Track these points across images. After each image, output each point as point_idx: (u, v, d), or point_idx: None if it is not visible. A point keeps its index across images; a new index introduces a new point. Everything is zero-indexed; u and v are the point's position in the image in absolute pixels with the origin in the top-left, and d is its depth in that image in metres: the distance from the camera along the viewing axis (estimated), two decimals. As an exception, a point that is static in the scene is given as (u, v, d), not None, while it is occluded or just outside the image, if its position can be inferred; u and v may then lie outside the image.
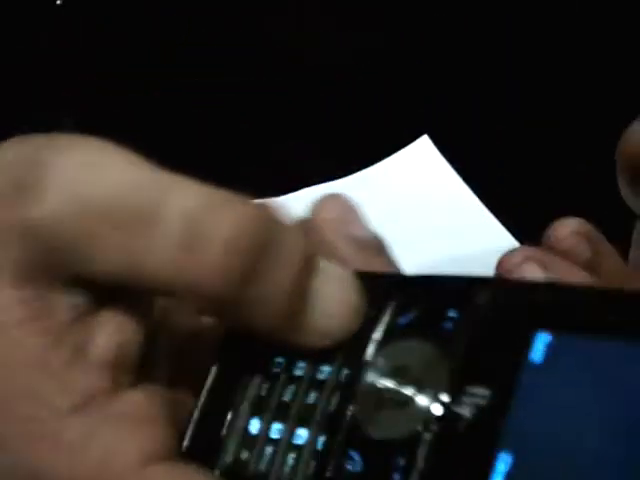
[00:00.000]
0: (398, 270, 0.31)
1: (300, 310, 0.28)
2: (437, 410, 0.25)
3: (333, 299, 0.28)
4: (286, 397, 0.28)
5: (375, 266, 0.30)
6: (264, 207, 0.28)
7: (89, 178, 0.27)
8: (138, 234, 0.27)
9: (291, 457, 0.27)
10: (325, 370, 0.28)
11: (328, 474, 0.26)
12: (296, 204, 0.60)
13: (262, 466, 0.27)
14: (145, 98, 0.61)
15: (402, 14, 0.62)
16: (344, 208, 0.34)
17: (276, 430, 0.28)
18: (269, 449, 0.27)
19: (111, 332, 0.28)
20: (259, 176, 0.59)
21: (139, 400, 0.28)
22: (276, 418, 0.28)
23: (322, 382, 0.28)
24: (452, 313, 0.26)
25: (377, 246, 0.32)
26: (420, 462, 0.24)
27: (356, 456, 0.26)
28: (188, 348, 0.32)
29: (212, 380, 0.30)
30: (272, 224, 0.28)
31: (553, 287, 0.25)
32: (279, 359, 0.29)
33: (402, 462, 0.24)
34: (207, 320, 0.32)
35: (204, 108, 0.61)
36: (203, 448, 0.28)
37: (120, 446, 0.26)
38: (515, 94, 0.59)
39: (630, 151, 0.27)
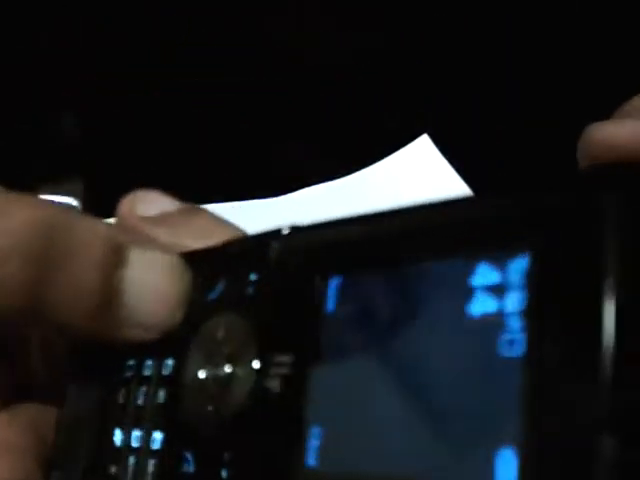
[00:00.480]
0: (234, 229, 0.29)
1: (112, 304, 0.26)
2: (249, 388, 0.23)
3: (150, 288, 0.27)
4: (140, 400, 0.27)
5: (212, 227, 0.28)
6: (49, 205, 0.26)
7: None
8: None
9: (151, 463, 0.26)
10: (168, 364, 0.27)
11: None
12: (296, 204, 0.61)
13: (129, 478, 0.26)
14: (145, 98, 0.61)
15: (402, 14, 0.62)
16: (137, 199, 0.30)
17: (135, 437, 0.27)
18: (132, 459, 0.26)
19: None
20: (259, 176, 0.59)
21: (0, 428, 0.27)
22: (135, 425, 0.27)
23: (166, 378, 0.26)
24: (252, 276, 0.24)
25: (189, 211, 0.30)
26: (242, 451, 0.23)
27: (189, 456, 0.25)
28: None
29: (70, 398, 0.29)
30: (60, 217, 0.26)
31: (332, 228, 0.23)
32: (130, 362, 0.27)
33: (228, 456, 0.23)
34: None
35: (204, 108, 0.61)
36: (70, 469, 0.27)
37: None
38: (515, 94, 0.59)
39: (590, 154, 0.28)
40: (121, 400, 0.27)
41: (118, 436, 0.27)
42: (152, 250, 0.27)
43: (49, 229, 0.26)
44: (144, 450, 0.26)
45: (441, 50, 0.61)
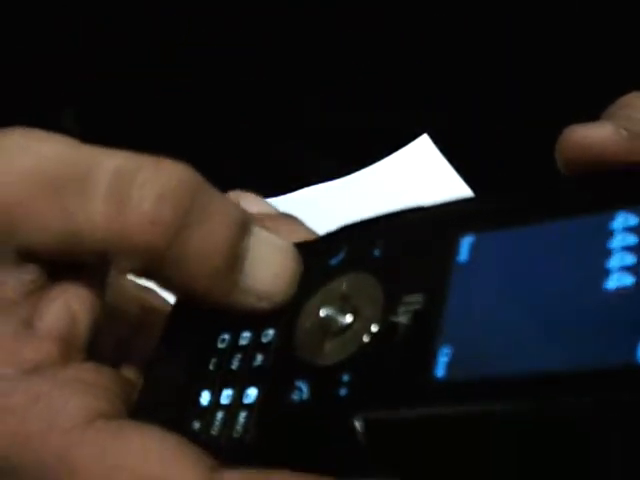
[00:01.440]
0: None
1: (234, 269, 0.28)
2: (375, 324, 0.26)
3: (269, 261, 0.29)
4: (234, 365, 0.28)
5: (300, 234, 0.31)
6: (196, 174, 0.29)
7: (21, 154, 0.28)
8: (72, 196, 0.27)
9: (242, 416, 0.27)
10: (269, 333, 0.28)
11: (274, 411, 0.26)
12: (296, 204, 0.61)
13: (214, 430, 0.27)
14: (145, 97, 0.61)
15: (402, 14, 0.62)
16: (240, 196, 0.34)
17: (226, 396, 0.28)
18: (220, 414, 0.27)
19: (59, 307, 0.29)
20: (259, 176, 0.59)
21: (88, 369, 0.28)
22: (225, 385, 0.28)
23: (266, 344, 0.28)
24: (379, 241, 0.27)
25: (293, 218, 0.32)
26: (364, 371, 0.25)
27: (303, 385, 0.26)
28: (134, 338, 0.32)
29: (158, 354, 0.30)
30: (204, 184, 0.28)
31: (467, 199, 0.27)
32: (224, 335, 0.29)
33: (347, 378, 0.25)
34: (153, 310, 0.33)
35: (204, 108, 0.61)
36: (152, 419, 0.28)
37: (66, 405, 0.27)
38: (515, 94, 0.59)
39: (567, 157, 0.28)
40: (212, 367, 0.29)
41: (205, 397, 0.28)
42: (270, 232, 0.29)
43: (195, 190, 0.28)
44: (235, 404, 0.27)
45: (441, 50, 0.61)
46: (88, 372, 0.28)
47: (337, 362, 0.26)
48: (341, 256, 0.29)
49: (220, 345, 0.29)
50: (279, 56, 0.62)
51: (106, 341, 0.31)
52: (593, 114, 0.32)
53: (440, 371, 0.23)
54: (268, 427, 0.26)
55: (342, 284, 0.28)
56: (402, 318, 0.25)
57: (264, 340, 0.28)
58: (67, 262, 0.29)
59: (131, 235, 0.27)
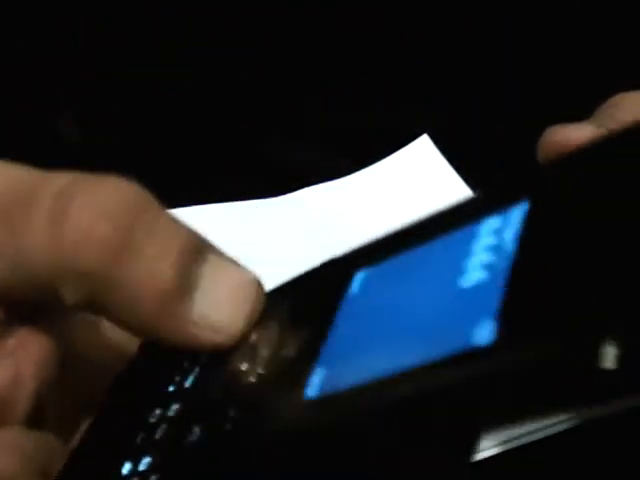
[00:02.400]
0: None
1: (185, 297, 0.26)
2: (263, 365, 0.25)
3: (226, 290, 0.26)
4: (157, 435, 0.27)
5: None
6: (143, 192, 0.27)
7: None
8: (17, 222, 0.26)
9: (153, 478, 0.26)
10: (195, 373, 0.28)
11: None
12: (296, 204, 0.61)
13: None
14: (145, 98, 0.61)
15: (402, 14, 0.62)
16: None
17: (145, 463, 0.27)
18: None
19: (6, 368, 0.27)
20: (259, 176, 0.59)
21: (12, 435, 0.27)
22: (145, 453, 0.27)
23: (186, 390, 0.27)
24: (288, 292, 0.27)
25: None
26: (247, 403, 0.25)
27: (196, 428, 0.26)
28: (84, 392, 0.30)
29: (97, 416, 0.29)
30: (153, 205, 0.26)
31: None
32: (156, 409, 0.28)
33: (232, 412, 0.25)
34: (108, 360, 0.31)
35: (203, 108, 0.61)
36: None
37: None
38: (515, 94, 0.59)
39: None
40: (139, 441, 0.27)
41: (127, 467, 0.27)
42: (231, 260, 0.27)
43: (141, 209, 0.26)
44: (152, 469, 0.26)
45: (441, 50, 0.61)
46: (15, 437, 0.27)
47: (224, 400, 0.26)
48: (268, 312, 0.28)
49: (151, 420, 0.28)
50: (279, 56, 0.62)
51: (78, 390, 0.30)
52: (592, 115, 0.32)
53: (312, 391, 0.24)
54: (170, 474, 0.26)
55: (253, 335, 0.27)
56: (289, 351, 0.25)
57: (180, 412, 0.27)
58: (20, 301, 0.27)
59: (70, 256, 0.26)
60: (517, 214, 0.22)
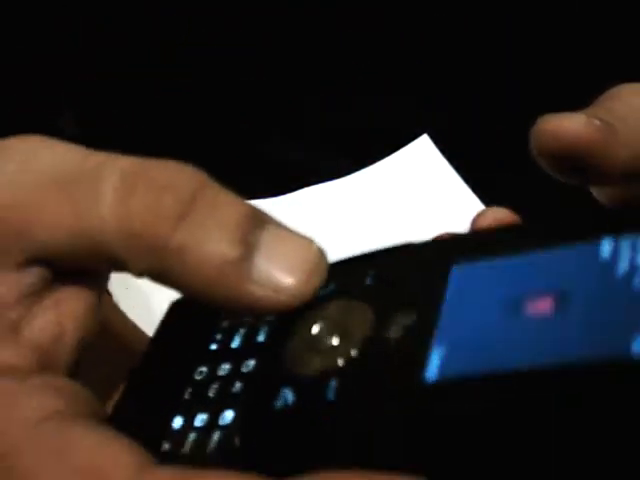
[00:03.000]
0: None
1: (246, 258, 0.27)
2: (365, 342, 0.26)
3: (285, 253, 0.27)
4: (210, 393, 0.28)
5: None
6: (201, 172, 0.28)
7: (35, 158, 0.28)
8: (83, 196, 0.28)
9: (216, 435, 0.27)
10: (250, 364, 0.28)
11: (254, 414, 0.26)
12: (296, 204, 0.61)
13: (185, 450, 0.27)
14: (144, 98, 0.61)
15: (402, 14, 0.62)
16: None
17: (200, 420, 0.27)
18: (192, 435, 0.27)
19: (48, 319, 0.29)
20: (259, 176, 0.59)
21: (60, 379, 0.28)
22: (200, 411, 0.27)
23: (245, 374, 0.28)
24: (369, 272, 0.28)
25: None
26: (352, 378, 0.25)
27: (288, 392, 0.26)
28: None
29: (139, 370, 0.30)
30: (211, 182, 0.28)
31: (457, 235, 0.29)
32: (202, 367, 0.28)
33: (334, 384, 0.25)
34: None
35: (203, 108, 0.61)
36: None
37: (27, 402, 0.27)
38: (515, 94, 0.59)
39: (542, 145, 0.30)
40: (187, 396, 0.28)
41: (178, 422, 0.27)
42: (292, 230, 0.28)
43: (201, 185, 0.28)
44: (210, 425, 0.27)
45: (441, 50, 0.61)
46: (59, 381, 0.28)
47: (325, 371, 0.26)
48: (332, 287, 0.28)
49: (197, 377, 0.28)
50: (279, 56, 0.62)
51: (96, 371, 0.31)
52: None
53: (431, 374, 0.24)
54: (250, 433, 0.26)
55: (334, 309, 0.28)
56: (393, 333, 0.26)
57: (244, 370, 0.28)
58: (75, 268, 0.29)
59: (137, 228, 0.27)
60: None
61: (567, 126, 0.29)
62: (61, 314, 0.29)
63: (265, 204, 0.55)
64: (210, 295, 0.27)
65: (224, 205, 0.27)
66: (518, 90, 0.59)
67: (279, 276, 0.27)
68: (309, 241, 0.28)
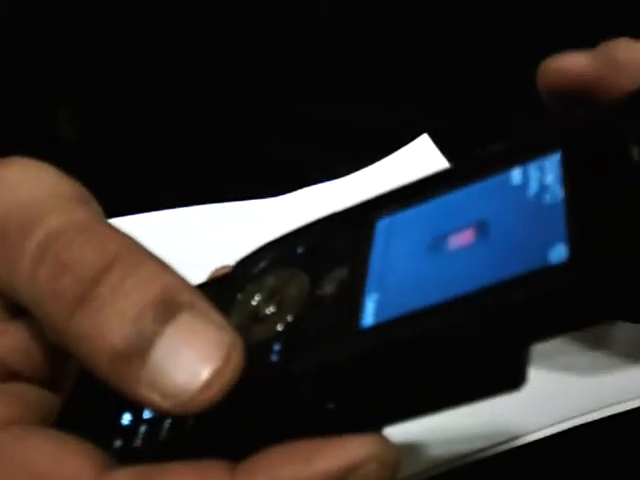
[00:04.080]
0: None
1: (136, 355, 0.25)
2: (302, 304, 0.27)
3: (186, 355, 0.25)
4: None
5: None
6: (126, 239, 0.27)
7: (5, 191, 0.28)
8: (14, 248, 0.27)
9: (167, 422, 0.27)
10: None
11: None
12: (296, 204, 0.60)
13: (137, 443, 0.27)
14: (143, 98, 0.61)
15: (402, 14, 0.62)
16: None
17: (148, 411, 0.27)
18: (143, 428, 0.27)
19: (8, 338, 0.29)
20: (259, 176, 0.59)
21: (12, 385, 0.28)
22: None
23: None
24: (299, 242, 0.29)
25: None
26: (295, 338, 0.26)
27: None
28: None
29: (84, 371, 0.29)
30: (132, 253, 0.26)
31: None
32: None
33: (277, 346, 0.26)
34: None
35: (203, 108, 0.61)
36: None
37: None
38: (515, 94, 0.59)
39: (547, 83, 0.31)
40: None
41: (127, 417, 0.27)
42: (211, 319, 0.26)
43: (113, 261, 0.26)
44: (159, 415, 0.26)
45: (441, 50, 0.61)
46: (11, 387, 0.28)
47: (265, 338, 0.26)
48: (267, 262, 0.29)
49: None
50: (279, 56, 0.62)
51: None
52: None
53: (367, 319, 0.25)
54: (201, 413, 0.25)
55: (271, 280, 0.28)
56: (328, 290, 0.27)
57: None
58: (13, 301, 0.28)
59: (40, 301, 0.26)
60: (554, 160, 0.25)
61: (573, 61, 0.31)
62: (15, 326, 0.29)
63: (265, 204, 0.55)
64: (108, 384, 0.26)
65: (129, 289, 0.25)
66: (518, 90, 0.59)
67: (170, 380, 0.25)
68: (223, 337, 0.25)
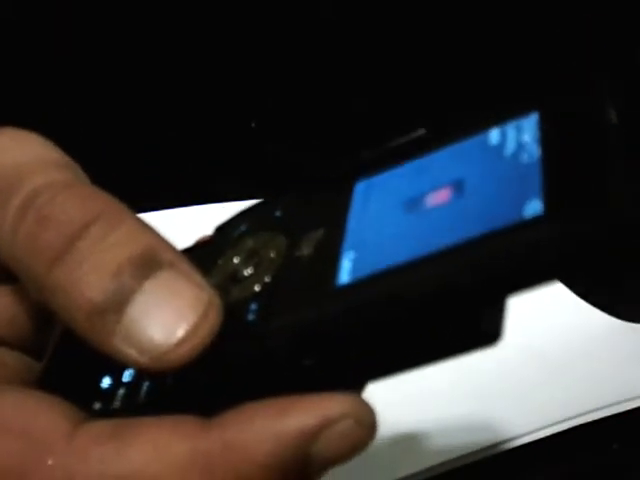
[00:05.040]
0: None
1: (113, 309, 0.25)
2: (279, 265, 0.27)
3: (163, 311, 0.25)
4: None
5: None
6: (107, 197, 0.27)
7: None
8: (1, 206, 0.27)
9: (145, 385, 0.26)
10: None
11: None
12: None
13: (116, 405, 0.27)
14: (142, 98, 0.61)
15: (402, 14, 0.62)
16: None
17: (128, 374, 0.27)
18: (121, 391, 0.27)
19: None
20: (259, 177, 0.59)
21: None
22: (126, 367, 0.27)
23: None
24: (277, 207, 0.29)
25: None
26: (272, 298, 0.26)
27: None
28: None
29: (63, 334, 0.29)
30: (113, 210, 0.26)
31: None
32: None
33: (254, 306, 0.26)
34: None
35: (203, 108, 0.61)
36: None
37: None
38: (515, 94, 0.59)
39: None
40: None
41: (106, 381, 0.27)
42: (190, 277, 0.25)
43: (96, 215, 0.26)
44: (137, 378, 0.27)
45: (441, 50, 0.61)
46: None
47: (242, 298, 0.27)
48: (246, 226, 0.29)
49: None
50: (278, 57, 0.62)
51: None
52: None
53: (344, 277, 0.25)
54: (179, 373, 0.26)
55: (249, 242, 0.29)
56: (305, 250, 0.27)
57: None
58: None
59: (21, 256, 0.26)
60: (532, 120, 0.26)
61: None
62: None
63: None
64: (84, 339, 0.26)
65: (111, 245, 0.25)
66: (518, 90, 0.59)
67: (146, 335, 0.25)
68: (201, 294, 0.25)
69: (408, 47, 0.61)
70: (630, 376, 0.46)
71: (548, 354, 0.45)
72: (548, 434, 0.44)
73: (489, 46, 0.61)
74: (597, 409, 0.45)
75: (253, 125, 0.61)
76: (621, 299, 0.49)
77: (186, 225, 0.52)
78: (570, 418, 0.44)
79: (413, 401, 0.43)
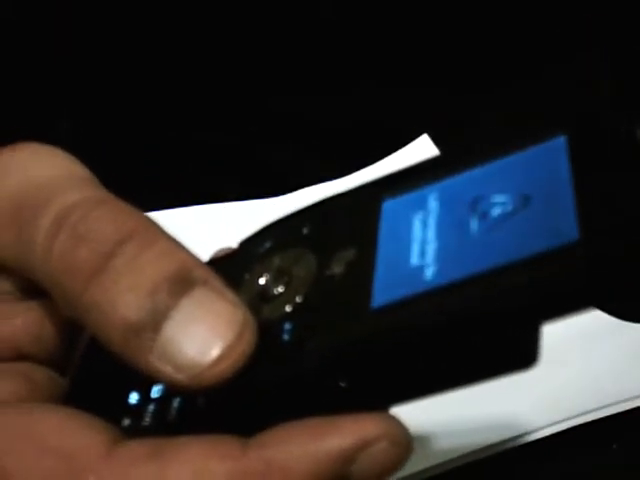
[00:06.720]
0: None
1: (149, 327, 0.25)
2: (310, 284, 0.27)
3: (199, 329, 0.25)
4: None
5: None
6: (141, 216, 0.27)
7: (12, 174, 0.28)
8: (28, 225, 0.27)
9: (176, 401, 0.26)
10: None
11: None
12: (295, 204, 0.60)
13: (146, 422, 0.27)
14: (145, 99, 0.61)
15: (402, 14, 0.62)
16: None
17: (156, 391, 0.27)
18: (151, 407, 0.27)
19: (13, 318, 0.29)
20: (258, 177, 0.59)
21: (17, 364, 0.28)
22: (154, 382, 0.27)
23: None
24: (305, 223, 0.29)
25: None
26: (305, 318, 0.26)
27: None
28: None
29: (90, 350, 0.29)
30: (147, 229, 0.26)
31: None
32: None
33: (288, 326, 0.26)
34: None
35: (203, 108, 0.61)
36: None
37: None
38: (515, 94, 0.59)
39: None
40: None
41: (134, 397, 0.27)
42: (224, 295, 0.26)
43: (128, 234, 0.26)
44: (167, 394, 0.26)
45: (441, 50, 0.61)
46: (20, 366, 0.28)
47: (275, 318, 0.26)
48: (270, 243, 0.29)
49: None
50: (279, 56, 0.62)
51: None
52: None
53: (379, 299, 0.25)
54: (211, 392, 0.26)
55: (277, 260, 0.28)
56: (336, 270, 0.27)
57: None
58: (26, 279, 0.29)
59: (56, 274, 0.26)
60: (560, 143, 0.26)
61: None
62: (28, 313, 0.29)
63: (265, 204, 0.55)
64: (120, 357, 0.26)
65: (146, 263, 0.25)
66: (518, 90, 0.59)
67: (182, 353, 0.25)
68: (236, 312, 0.25)
69: (408, 47, 0.61)
70: (630, 376, 0.46)
71: (548, 354, 0.45)
72: (548, 434, 0.44)
73: (489, 48, 0.61)
74: (597, 409, 0.45)
75: (252, 126, 0.61)
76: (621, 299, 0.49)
77: (186, 225, 0.52)
78: (570, 418, 0.44)
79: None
